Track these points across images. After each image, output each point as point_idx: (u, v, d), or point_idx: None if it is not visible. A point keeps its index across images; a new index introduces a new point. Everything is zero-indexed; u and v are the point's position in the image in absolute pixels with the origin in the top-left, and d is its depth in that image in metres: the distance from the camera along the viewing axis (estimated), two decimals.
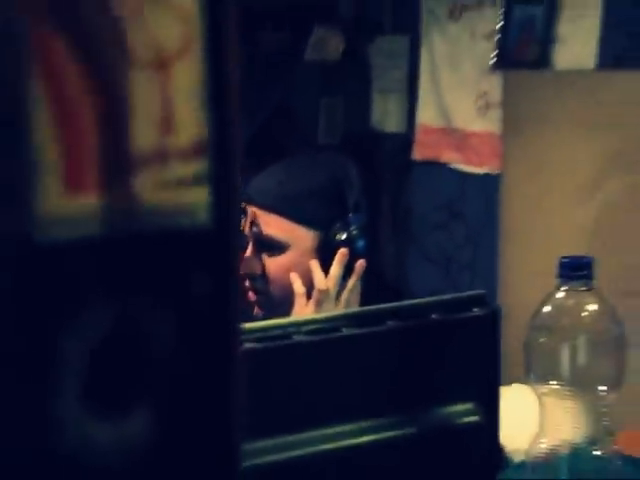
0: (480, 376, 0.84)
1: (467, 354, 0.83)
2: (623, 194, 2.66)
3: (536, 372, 1.08)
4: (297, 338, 0.74)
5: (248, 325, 0.73)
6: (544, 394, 1.06)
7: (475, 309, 0.83)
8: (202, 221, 0.36)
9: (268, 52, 3.18)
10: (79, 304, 0.33)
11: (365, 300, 1.78)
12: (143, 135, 0.35)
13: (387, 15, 3.41)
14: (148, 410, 0.35)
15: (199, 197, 0.36)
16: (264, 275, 1.81)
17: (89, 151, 0.33)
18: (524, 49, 3.10)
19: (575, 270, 1.05)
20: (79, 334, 0.34)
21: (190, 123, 0.36)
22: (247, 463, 0.50)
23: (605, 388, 1.09)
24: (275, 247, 1.81)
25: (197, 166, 0.36)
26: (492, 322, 0.84)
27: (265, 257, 1.82)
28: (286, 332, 0.74)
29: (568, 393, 1.07)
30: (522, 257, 2.86)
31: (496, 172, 3.07)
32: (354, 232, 1.75)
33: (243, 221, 1.84)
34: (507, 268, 2.88)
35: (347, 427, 0.75)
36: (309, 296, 1.75)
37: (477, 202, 3.19)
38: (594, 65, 2.95)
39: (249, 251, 1.84)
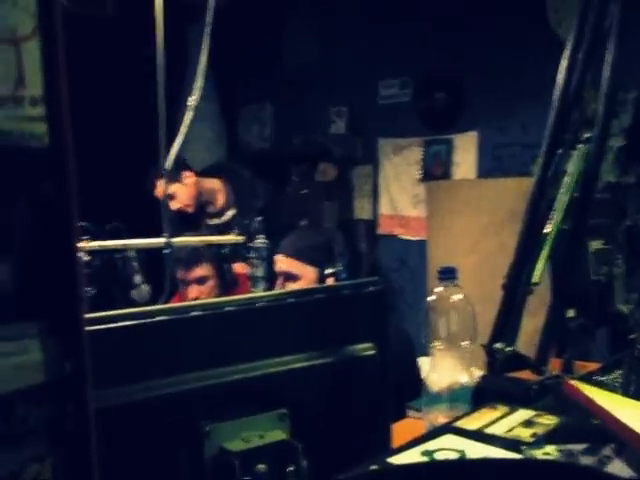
0: (375, 328, 1.08)
1: (366, 314, 1.08)
2: (494, 249, 3.41)
3: (428, 336, 1.44)
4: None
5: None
6: (435, 349, 1.43)
7: (371, 287, 1.09)
8: (42, 144, 0.46)
9: (298, 180, 4.84)
10: None
11: None
12: (2, 86, 0.44)
13: (359, 154, 4.91)
14: (6, 266, 0.43)
15: (41, 128, 0.46)
16: None
17: None
18: (436, 169, 4.54)
19: (447, 274, 1.47)
20: None
21: (35, 82, 0.45)
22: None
23: (467, 343, 1.43)
24: (293, 277, 2.35)
25: (40, 109, 0.46)
26: (381, 295, 1.10)
27: (287, 284, 2.36)
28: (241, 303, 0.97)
29: (445, 347, 1.43)
30: None
31: (424, 238, 4.34)
32: (338, 269, 2.31)
33: (274, 265, 2.41)
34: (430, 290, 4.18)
35: (281, 359, 0.96)
36: None
37: (415, 255, 4.62)
38: (475, 176, 4.43)
39: (279, 280, 2.40)
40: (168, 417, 0.91)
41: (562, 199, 1.20)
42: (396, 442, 1.44)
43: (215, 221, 3.91)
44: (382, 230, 4.87)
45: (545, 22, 3.96)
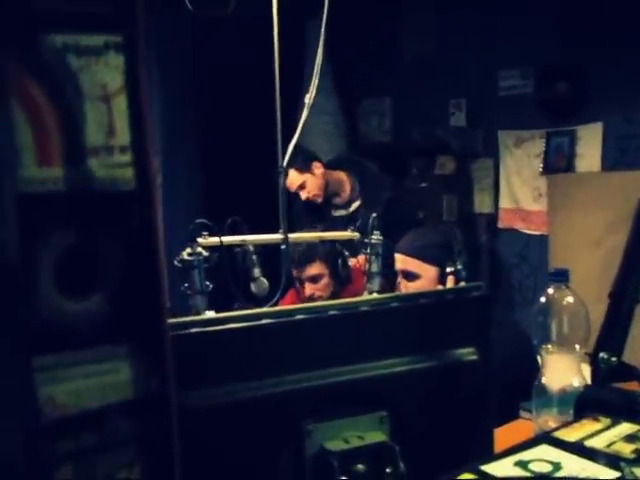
0: (478, 333, 1.08)
1: (470, 319, 1.08)
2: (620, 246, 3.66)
3: (540, 338, 1.47)
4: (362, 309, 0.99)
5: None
6: (546, 351, 1.45)
7: (475, 292, 1.09)
8: (130, 187, 0.51)
9: (417, 173, 4.84)
10: (51, 231, 0.46)
11: None
12: (94, 137, 0.49)
13: (479, 146, 4.81)
14: (100, 296, 0.49)
15: (129, 173, 0.51)
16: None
17: (54, 143, 0.46)
18: (559, 162, 4.39)
19: (558, 276, 1.51)
20: (53, 245, 0.47)
21: (124, 132, 0.50)
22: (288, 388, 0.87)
23: (578, 346, 1.44)
24: (412, 276, 2.34)
25: (128, 156, 0.51)
26: (484, 300, 1.09)
27: (408, 283, 2.36)
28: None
29: (557, 350, 1.44)
30: None
31: (545, 233, 4.33)
32: (458, 267, 2.27)
33: (395, 264, 2.38)
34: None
35: (383, 362, 0.99)
36: None
37: (536, 251, 4.53)
38: (599, 169, 4.23)
39: (399, 279, 2.40)
40: (272, 416, 0.95)
41: None
42: (504, 443, 1.46)
43: (341, 212, 4.00)
44: (502, 224, 4.79)
45: None
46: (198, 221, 2.25)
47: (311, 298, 3.06)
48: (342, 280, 3.09)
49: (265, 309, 1.12)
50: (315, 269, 3.01)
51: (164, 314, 0.49)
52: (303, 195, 3.73)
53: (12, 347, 0.44)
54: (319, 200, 3.80)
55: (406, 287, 2.35)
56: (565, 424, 1.10)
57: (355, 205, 3.98)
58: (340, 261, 2.96)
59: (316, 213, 3.98)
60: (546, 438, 1.03)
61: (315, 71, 2.57)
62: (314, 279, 3.03)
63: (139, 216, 0.50)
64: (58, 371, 0.45)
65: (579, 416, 1.11)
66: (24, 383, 0.43)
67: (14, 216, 0.44)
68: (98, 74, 0.48)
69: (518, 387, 1.93)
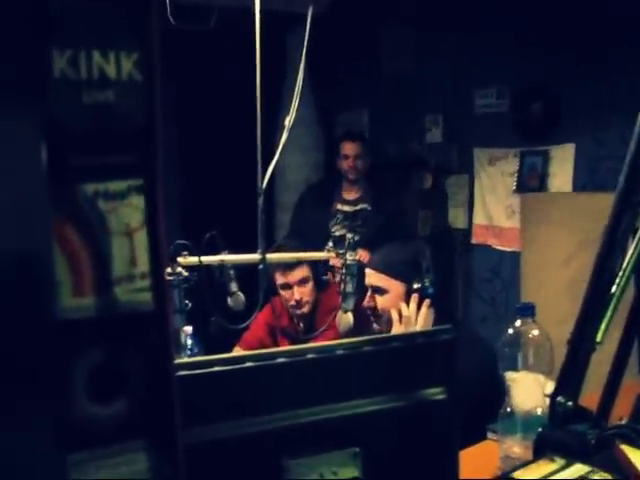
0: (446, 373, 1.13)
1: (438, 361, 1.13)
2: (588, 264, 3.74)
3: (505, 366, 1.62)
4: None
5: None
6: (512, 378, 1.62)
7: (444, 335, 1.14)
8: (149, 308, 0.57)
9: (395, 186, 4.85)
10: (85, 348, 0.55)
11: (436, 324, 2.33)
12: (120, 268, 0.56)
13: (454, 163, 4.90)
14: (124, 400, 0.56)
15: (148, 297, 0.57)
16: (376, 307, 2.42)
17: (86, 277, 0.54)
18: (532, 181, 4.48)
19: (525, 310, 1.63)
20: (85, 361, 0.55)
21: (144, 261, 0.57)
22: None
23: (542, 376, 1.59)
24: (381, 291, 2.41)
25: (147, 281, 0.57)
26: (452, 342, 1.14)
27: (376, 297, 2.43)
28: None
29: (521, 379, 1.57)
30: (534, 294, 3.87)
31: (518, 250, 4.37)
32: (425, 284, 2.33)
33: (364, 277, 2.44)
34: (525, 300, 3.96)
35: (356, 402, 1.04)
36: (400, 320, 2.32)
37: (508, 267, 4.62)
38: (570, 189, 4.32)
39: (368, 294, 2.45)
40: (252, 452, 1.02)
41: (631, 260, 1.25)
42: (471, 465, 1.54)
43: (346, 208, 4.39)
44: (476, 240, 4.89)
45: None
46: (178, 242, 2.31)
47: (299, 303, 3.14)
48: (321, 285, 3.21)
49: (248, 352, 1.18)
50: (303, 271, 3.12)
51: (176, 412, 0.56)
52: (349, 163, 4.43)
53: (52, 445, 0.51)
54: (354, 175, 4.47)
55: (375, 301, 2.41)
56: (523, 464, 1.18)
57: (361, 206, 4.36)
58: (321, 266, 3.11)
59: (320, 205, 4.36)
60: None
61: (296, 93, 2.64)
62: (302, 282, 3.13)
63: (156, 332, 0.56)
64: (88, 466, 0.52)
65: (537, 456, 1.19)
66: (61, 477, 0.51)
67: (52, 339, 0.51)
68: (123, 214, 0.55)
69: (484, 406, 2.02)
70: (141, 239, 0.56)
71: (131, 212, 0.55)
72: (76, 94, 0.52)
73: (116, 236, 0.55)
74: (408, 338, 1.19)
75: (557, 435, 1.23)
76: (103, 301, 0.54)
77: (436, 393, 1.14)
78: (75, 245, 0.52)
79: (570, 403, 1.23)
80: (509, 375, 1.67)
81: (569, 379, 1.24)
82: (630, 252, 1.27)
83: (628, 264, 1.25)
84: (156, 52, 0.54)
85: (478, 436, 2.09)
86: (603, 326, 1.22)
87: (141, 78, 0.54)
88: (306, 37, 2.74)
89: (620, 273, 1.26)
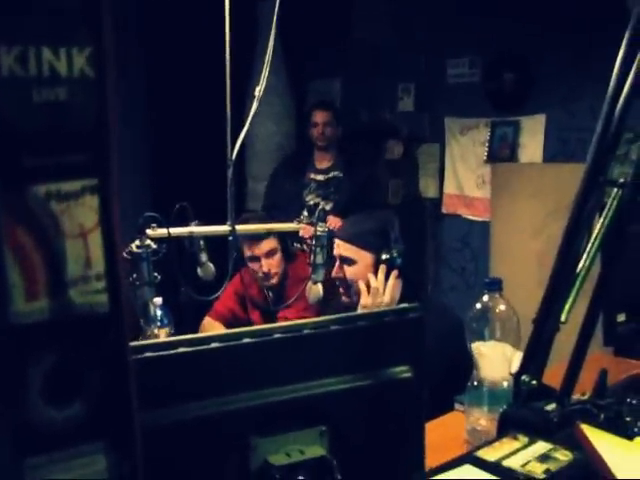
0: (414, 351, 1.14)
1: (406, 339, 1.14)
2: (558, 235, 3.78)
3: (474, 337, 1.64)
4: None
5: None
6: (479, 350, 1.64)
7: (411, 314, 1.15)
8: (105, 309, 0.57)
9: (367, 154, 4.89)
10: (40, 352, 0.54)
11: (404, 295, 2.35)
12: (74, 269, 0.55)
13: (426, 132, 4.91)
14: (81, 402, 0.56)
15: (103, 299, 0.57)
16: (345, 278, 2.41)
17: (40, 280, 0.53)
18: (502, 151, 4.51)
19: (492, 285, 1.65)
20: (41, 364, 0.54)
21: (99, 262, 0.56)
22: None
23: (511, 347, 1.62)
24: (349, 261, 2.41)
25: (103, 283, 0.57)
26: (420, 321, 1.15)
27: (345, 267, 2.42)
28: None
29: (492, 348, 1.59)
30: (503, 264, 4.10)
31: (488, 220, 4.46)
32: (394, 255, 2.33)
33: (334, 248, 2.43)
34: (494, 270, 4.17)
35: (323, 381, 1.05)
36: (369, 290, 2.32)
37: (478, 237, 4.67)
38: (541, 160, 4.39)
39: (337, 264, 2.44)
40: (220, 432, 1.02)
41: (596, 240, 1.26)
42: (437, 436, 1.56)
43: (319, 177, 4.43)
44: (447, 209, 4.91)
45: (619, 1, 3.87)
46: (146, 214, 2.28)
47: (267, 275, 3.14)
48: (290, 256, 3.20)
49: (214, 333, 1.18)
50: (270, 243, 3.12)
51: (134, 413, 0.56)
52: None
53: (8, 450, 0.51)
54: (323, 142, 4.46)
55: (343, 272, 2.41)
56: (487, 442, 1.19)
57: (333, 174, 4.38)
58: (288, 239, 3.12)
59: (293, 175, 4.40)
60: (469, 458, 1.12)
61: (266, 62, 2.60)
62: (269, 254, 3.13)
63: (113, 334, 0.56)
64: (46, 469, 0.52)
65: (501, 434, 1.20)
66: None
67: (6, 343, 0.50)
68: (76, 215, 0.54)
69: (453, 378, 2.05)
70: (96, 240, 0.55)
71: (85, 212, 0.54)
72: (26, 92, 0.50)
73: (70, 237, 0.54)
74: (375, 317, 1.20)
75: (521, 413, 1.24)
76: (58, 304, 0.53)
77: (403, 371, 1.14)
78: (27, 248, 0.51)
79: (534, 382, 1.24)
80: (476, 346, 1.68)
81: (533, 358, 1.26)
82: (596, 232, 1.28)
83: (593, 244, 1.26)
84: (109, 46, 0.52)
85: (446, 407, 2.13)
86: (567, 306, 1.23)
87: (94, 74, 0.52)
88: (277, 4, 2.70)
89: (584, 255, 1.27)
